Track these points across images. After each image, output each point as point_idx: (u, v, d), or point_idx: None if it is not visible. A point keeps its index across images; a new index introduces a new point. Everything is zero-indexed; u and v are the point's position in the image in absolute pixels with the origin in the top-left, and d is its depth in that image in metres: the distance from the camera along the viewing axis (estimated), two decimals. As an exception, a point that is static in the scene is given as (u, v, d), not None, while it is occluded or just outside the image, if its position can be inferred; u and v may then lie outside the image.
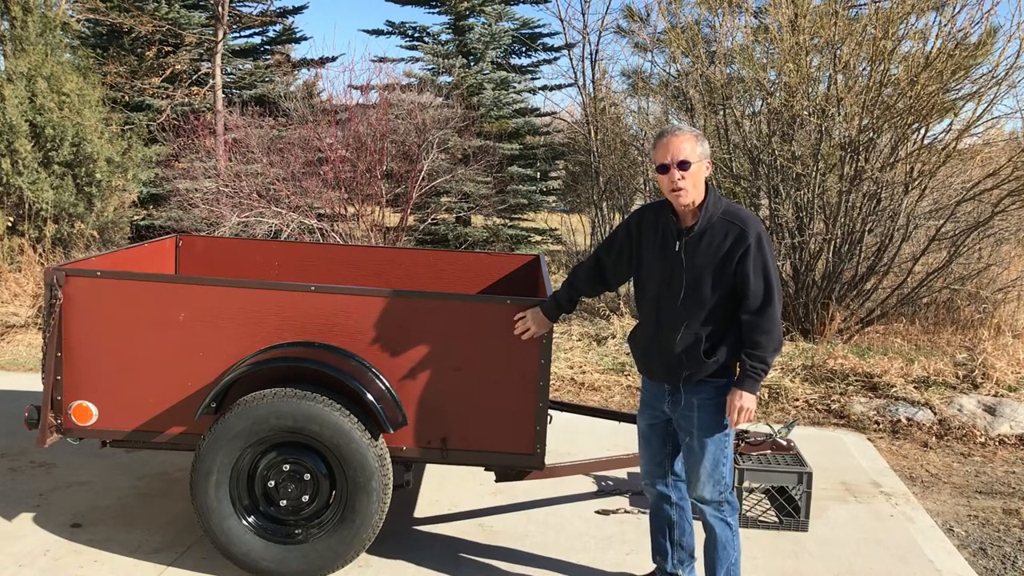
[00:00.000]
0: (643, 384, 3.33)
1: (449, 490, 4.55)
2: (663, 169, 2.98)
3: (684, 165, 2.94)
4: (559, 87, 17.42)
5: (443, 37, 15.88)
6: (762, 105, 8.86)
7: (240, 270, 4.98)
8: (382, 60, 16.04)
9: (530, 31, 16.29)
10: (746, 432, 4.44)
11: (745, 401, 3.00)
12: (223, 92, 14.34)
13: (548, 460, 3.58)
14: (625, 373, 6.92)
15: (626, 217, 3.33)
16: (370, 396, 3.33)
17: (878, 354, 7.47)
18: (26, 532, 3.87)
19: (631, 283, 3.35)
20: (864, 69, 8.01)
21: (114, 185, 10.75)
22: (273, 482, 3.41)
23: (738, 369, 3.09)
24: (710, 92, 9.03)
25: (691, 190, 2.97)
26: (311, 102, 12.93)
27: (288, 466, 3.40)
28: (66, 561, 3.62)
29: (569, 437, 5.28)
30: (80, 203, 10.27)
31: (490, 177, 13.15)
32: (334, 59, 17.18)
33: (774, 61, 8.61)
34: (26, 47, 10.18)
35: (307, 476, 3.40)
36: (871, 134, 7.92)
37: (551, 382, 4.99)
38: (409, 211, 11.16)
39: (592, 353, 7.48)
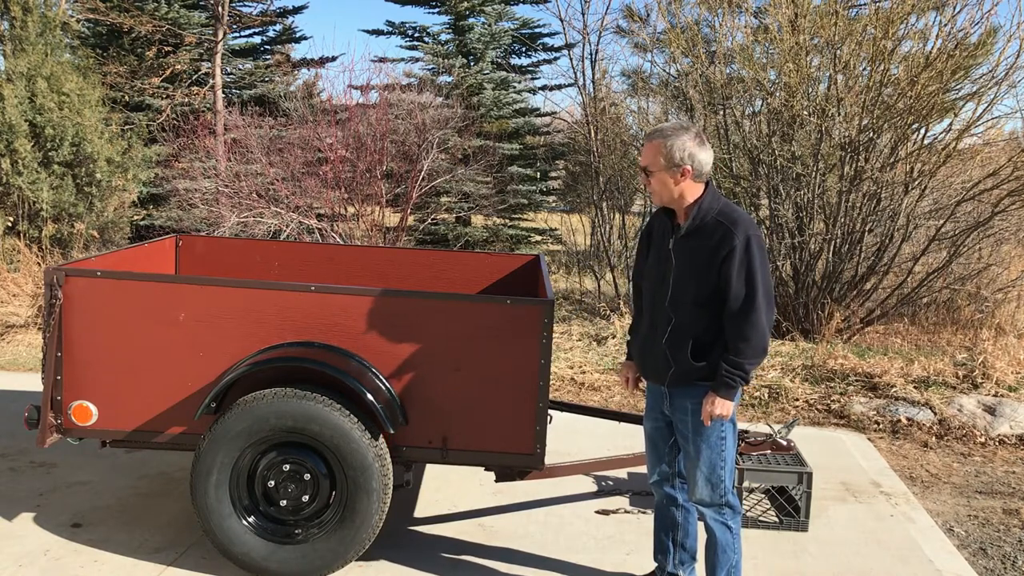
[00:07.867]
0: (646, 387, 3.33)
1: (449, 490, 4.55)
2: (643, 169, 3.06)
3: (647, 171, 3.03)
4: (559, 87, 17.44)
5: (443, 37, 15.89)
6: (762, 105, 8.85)
7: (240, 270, 4.98)
8: (382, 60, 16.12)
9: (530, 31, 16.30)
10: (746, 432, 4.44)
11: (718, 407, 2.96)
12: (223, 92, 14.34)
13: (548, 460, 3.58)
14: (625, 373, 6.91)
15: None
16: (370, 396, 3.33)
17: (878, 354, 7.46)
18: (26, 532, 3.86)
19: (631, 283, 3.36)
20: (864, 69, 8.01)
21: (114, 185, 10.74)
22: (273, 482, 3.41)
23: None
24: (710, 92, 9.03)
25: (659, 192, 3.03)
26: (311, 102, 12.94)
27: (288, 466, 3.40)
28: (66, 561, 3.62)
29: (569, 437, 5.28)
30: (80, 203, 10.26)
31: (490, 177, 13.15)
32: (334, 59, 17.24)
33: (774, 61, 8.61)
34: (26, 47, 10.17)
35: (307, 476, 3.40)
36: (871, 134, 7.92)
37: (551, 382, 4.99)
38: (409, 211, 11.15)
39: (592, 353, 7.48)
